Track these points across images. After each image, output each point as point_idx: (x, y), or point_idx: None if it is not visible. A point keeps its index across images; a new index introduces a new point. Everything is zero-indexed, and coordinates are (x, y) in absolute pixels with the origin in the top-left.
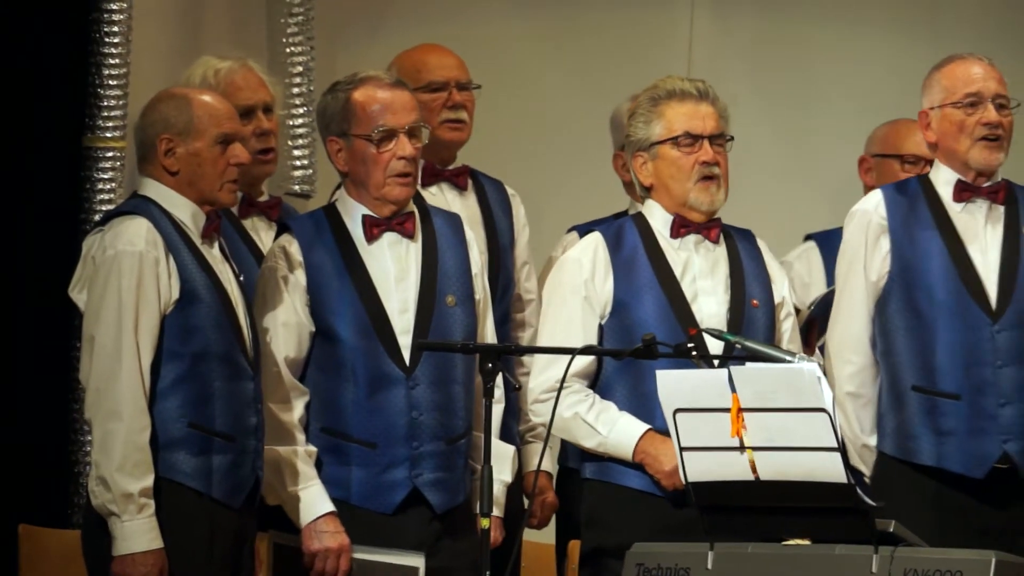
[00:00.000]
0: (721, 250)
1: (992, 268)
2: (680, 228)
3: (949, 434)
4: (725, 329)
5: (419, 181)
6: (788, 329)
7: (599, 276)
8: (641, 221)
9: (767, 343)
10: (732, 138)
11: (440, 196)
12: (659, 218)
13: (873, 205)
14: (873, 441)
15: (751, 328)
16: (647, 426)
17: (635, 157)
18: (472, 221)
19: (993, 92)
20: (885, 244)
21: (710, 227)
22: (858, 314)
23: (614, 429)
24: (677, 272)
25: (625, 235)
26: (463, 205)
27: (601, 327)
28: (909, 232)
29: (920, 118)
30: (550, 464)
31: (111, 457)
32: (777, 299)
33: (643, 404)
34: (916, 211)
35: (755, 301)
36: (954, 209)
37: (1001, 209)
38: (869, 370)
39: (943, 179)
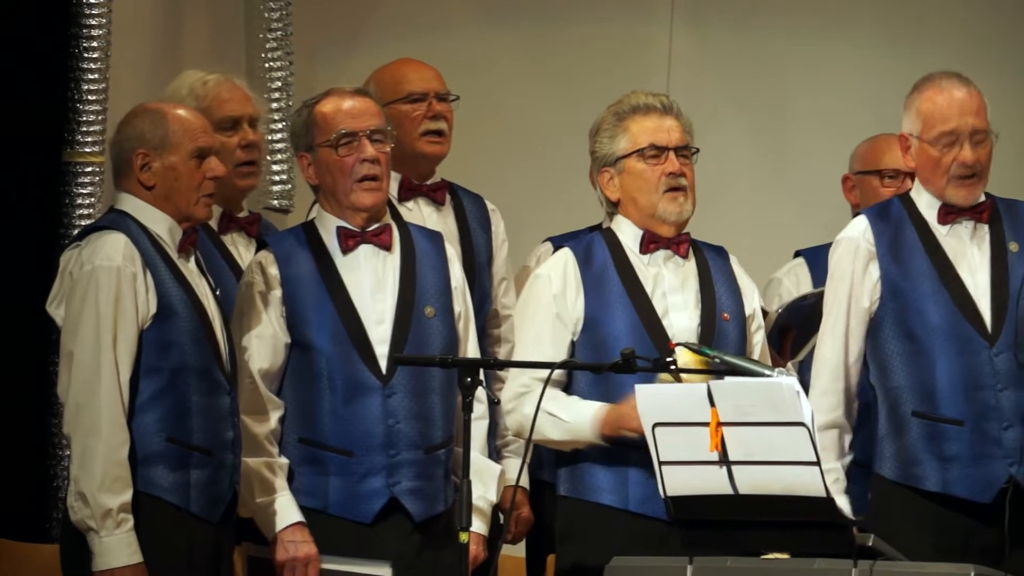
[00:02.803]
0: (691, 265)
1: (983, 290)
2: (650, 244)
3: (954, 460)
4: (698, 343)
5: (388, 187)
6: (759, 341)
7: (570, 293)
8: (610, 236)
9: (746, 357)
10: (698, 150)
11: (417, 211)
12: (628, 233)
13: (860, 232)
14: (836, 465)
15: (723, 341)
16: (607, 405)
17: (601, 173)
18: (449, 236)
19: (970, 128)
20: (875, 271)
21: (679, 242)
22: (839, 340)
23: (574, 411)
24: (648, 288)
25: (595, 251)
26: (440, 220)
27: (573, 343)
28: (898, 257)
29: (900, 140)
30: (525, 479)
31: (90, 473)
32: (748, 312)
33: None
34: (903, 235)
35: (726, 315)
36: (940, 231)
37: (986, 227)
38: (839, 395)
39: (925, 201)
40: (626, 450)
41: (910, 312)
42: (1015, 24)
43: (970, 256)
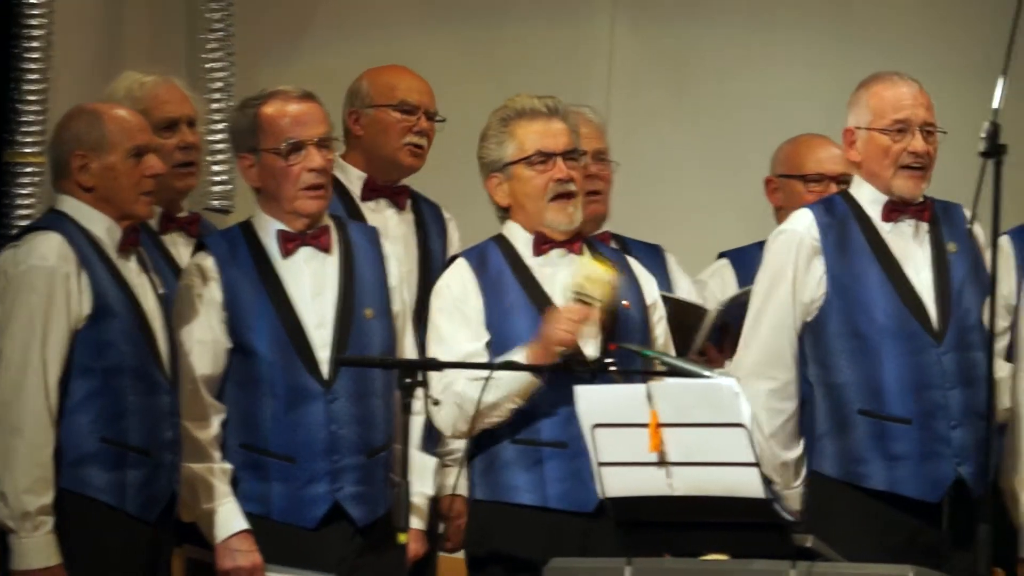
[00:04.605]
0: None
1: (927, 289)
2: (542, 245)
3: (901, 458)
4: (602, 334)
5: (331, 193)
6: (663, 332)
7: (471, 297)
8: (503, 242)
9: (686, 359)
10: (585, 153)
11: (379, 212)
12: (521, 238)
13: (805, 226)
14: (791, 456)
15: (627, 329)
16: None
17: (490, 178)
18: (407, 240)
19: (921, 120)
20: (819, 266)
21: (572, 240)
22: (783, 331)
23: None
24: (547, 288)
25: (489, 257)
26: (400, 222)
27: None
28: (844, 254)
29: (845, 135)
30: (465, 488)
31: (11, 473)
32: (648, 301)
33: (531, 417)
34: (848, 232)
35: (626, 303)
36: (884, 229)
37: (926, 227)
38: (791, 386)
39: (868, 198)
40: (540, 448)
41: (856, 310)
42: (967, 22)
43: (913, 255)
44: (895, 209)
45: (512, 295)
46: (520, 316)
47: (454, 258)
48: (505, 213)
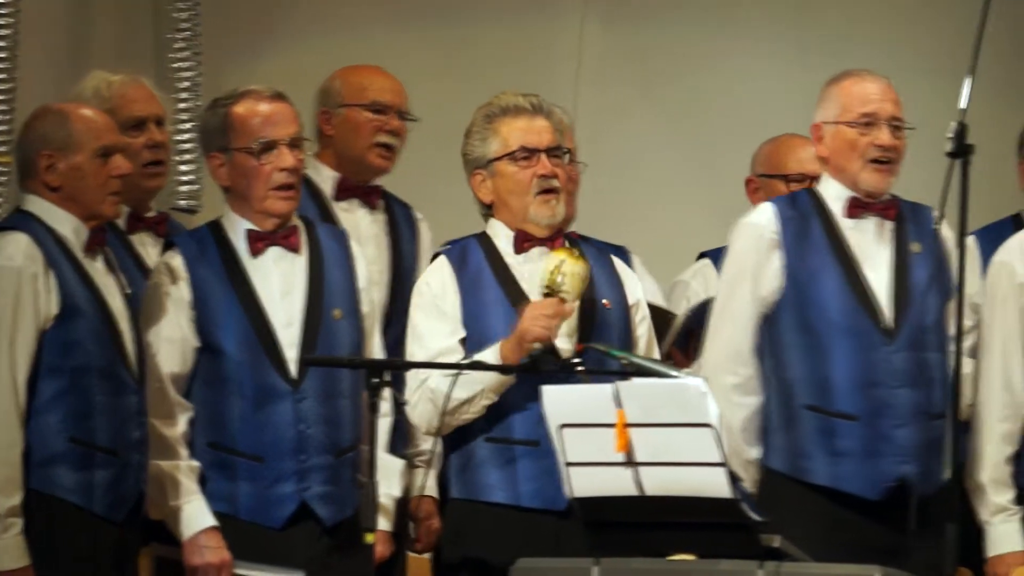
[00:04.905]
0: None
1: (885, 288)
2: (523, 243)
3: (845, 455)
4: (579, 333)
5: (300, 193)
6: (645, 332)
7: (449, 295)
8: (485, 240)
9: (653, 359)
10: (569, 151)
11: (351, 212)
12: (502, 236)
13: (765, 220)
14: (755, 454)
15: (605, 329)
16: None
17: (473, 175)
18: (379, 241)
19: (889, 114)
20: (777, 260)
21: (553, 238)
22: (744, 326)
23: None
24: (524, 285)
25: (469, 254)
26: (372, 222)
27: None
28: (801, 249)
29: (813, 130)
30: (434, 489)
31: None
32: (631, 301)
33: (504, 416)
34: (808, 227)
35: (607, 302)
36: (845, 225)
37: (890, 226)
38: (754, 381)
39: (833, 194)
40: (513, 446)
41: (810, 305)
42: (935, 23)
43: (874, 253)
44: (859, 205)
45: (490, 292)
46: (497, 313)
47: (437, 255)
48: (488, 211)
